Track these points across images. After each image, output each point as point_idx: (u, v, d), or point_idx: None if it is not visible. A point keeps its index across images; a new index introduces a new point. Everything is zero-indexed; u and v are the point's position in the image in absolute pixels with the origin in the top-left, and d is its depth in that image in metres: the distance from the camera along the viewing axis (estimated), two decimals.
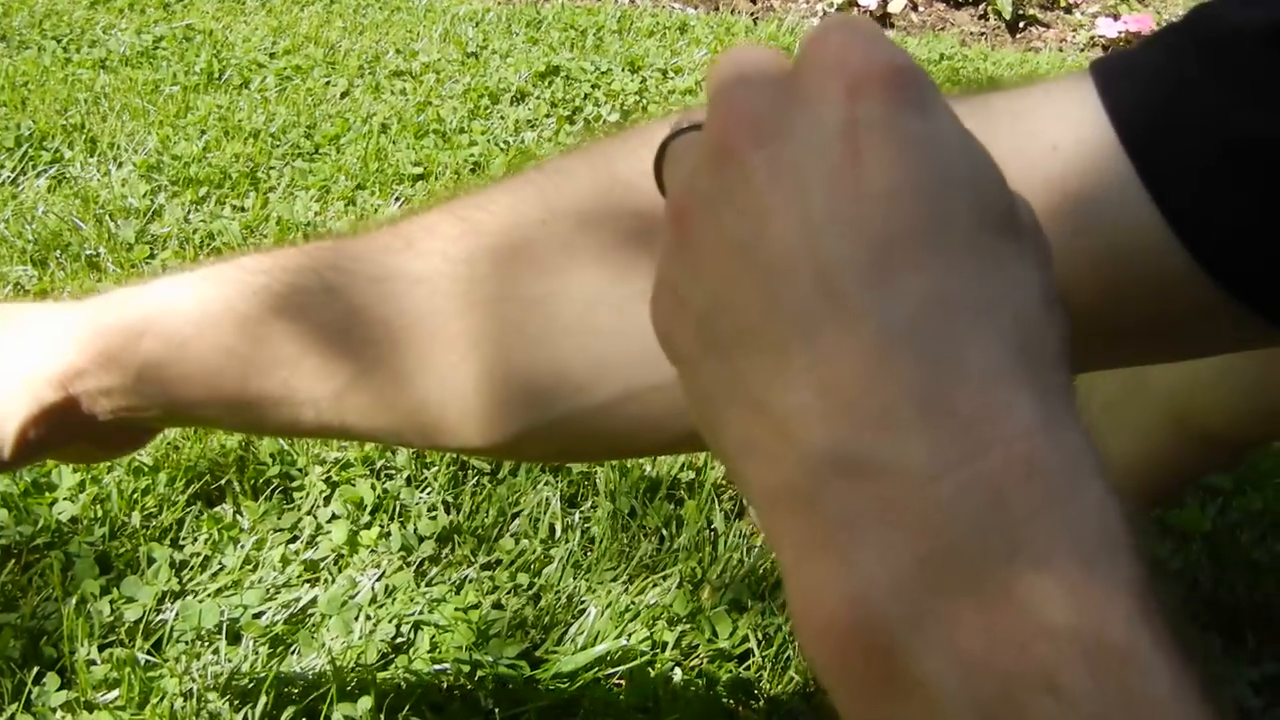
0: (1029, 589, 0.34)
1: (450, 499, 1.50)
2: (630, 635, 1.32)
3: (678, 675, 1.29)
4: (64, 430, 0.76)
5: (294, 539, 1.44)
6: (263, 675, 1.22)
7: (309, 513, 1.47)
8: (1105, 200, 0.58)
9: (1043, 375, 0.38)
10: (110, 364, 0.73)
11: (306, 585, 1.37)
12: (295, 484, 1.51)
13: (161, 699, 1.19)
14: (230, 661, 1.25)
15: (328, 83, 3.06)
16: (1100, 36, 4.87)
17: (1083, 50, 4.85)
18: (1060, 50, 4.80)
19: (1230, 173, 0.55)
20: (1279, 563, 1.59)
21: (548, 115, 2.94)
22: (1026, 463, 0.36)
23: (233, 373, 0.71)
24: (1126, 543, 0.36)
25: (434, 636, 1.30)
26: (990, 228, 0.39)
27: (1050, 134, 0.60)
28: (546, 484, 1.52)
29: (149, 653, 1.25)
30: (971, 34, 4.82)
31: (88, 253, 2.07)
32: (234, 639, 1.28)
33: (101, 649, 1.25)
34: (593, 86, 3.15)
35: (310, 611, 1.34)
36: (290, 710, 1.19)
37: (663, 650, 1.32)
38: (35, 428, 0.74)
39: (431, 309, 0.67)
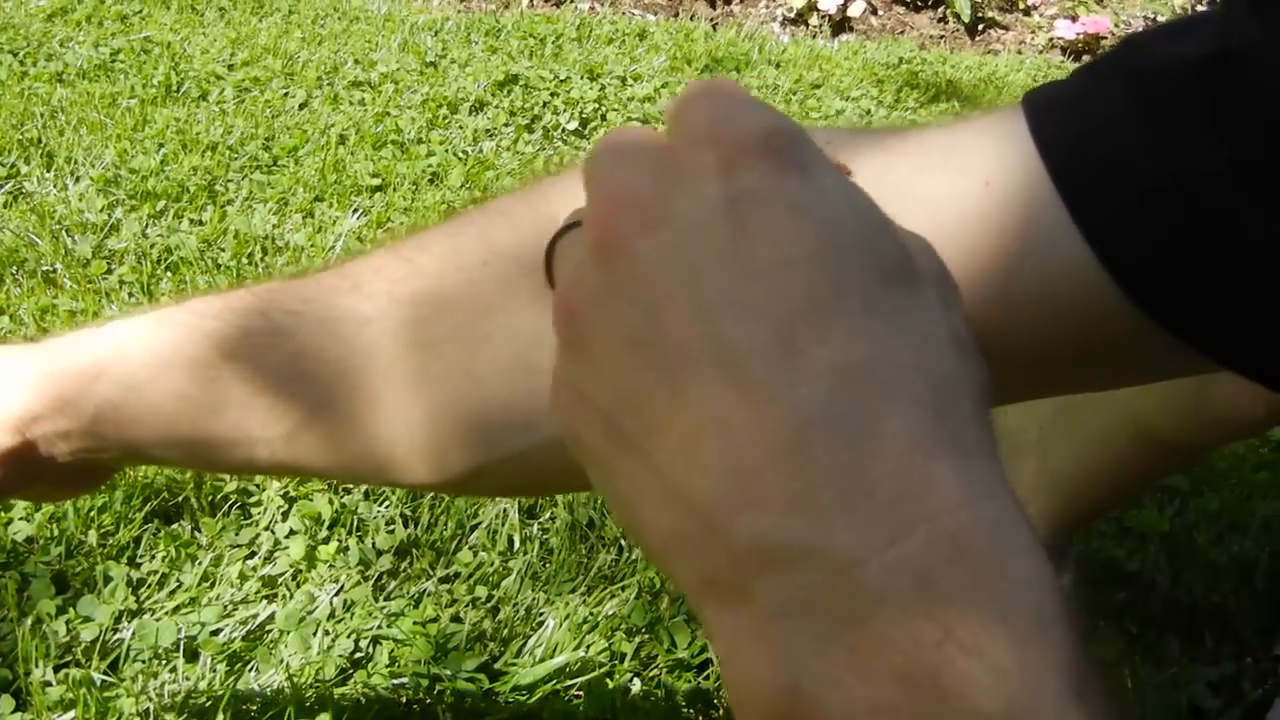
0: (960, 678, 0.34)
1: (408, 512, 1.50)
2: (589, 646, 1.33)
3: (636, 686, 1.29)
4: (24, 473, 0.77)
5: (252, 555, 1.43)
6: (220, 693, 1.22)
7: (267, 528, 1.47)
8: (1036, 235, 0.58)
9: (962, 437, 0.37)
10: (66, 408, 0.74)
11: (264, 601, 1.37)
12: (253, 500, 1.51)
13: (118, 719, 1.19)
14: (188, 680, 1.25)
15: (286, 94, 3.05)
16: (1059, 38, 4.89)
17: (1041, 52, 4.88)
18: (1019, 53, 4.82)
19: (1154, 207, 0.55)
20: (1236, 563, 1.61)
21: (506, 124, 2.94)
22: (951, 542, 0.35)
23: (186, 415, 0.72)
24: (1057, 617, 0.35)
25: (393, 650, 1.30)
26: (889, 283, 0.39)
27: (983, 170, 0.59)
28: None
29: (105, 672, 1.25)
30: (931, 37, 4.83)
31: (44, 269, 2.06)
32: (191, 657, 1.28)
33: (57, 669, 1.25)
34: (551, 95, 3.15)
35: (268, 628, 1.33)
36: None
37: (621, 661, 1.32)
38: None
39: (380, 350, 0.68)
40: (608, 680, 1.29)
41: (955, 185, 0.59)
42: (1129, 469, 1.33)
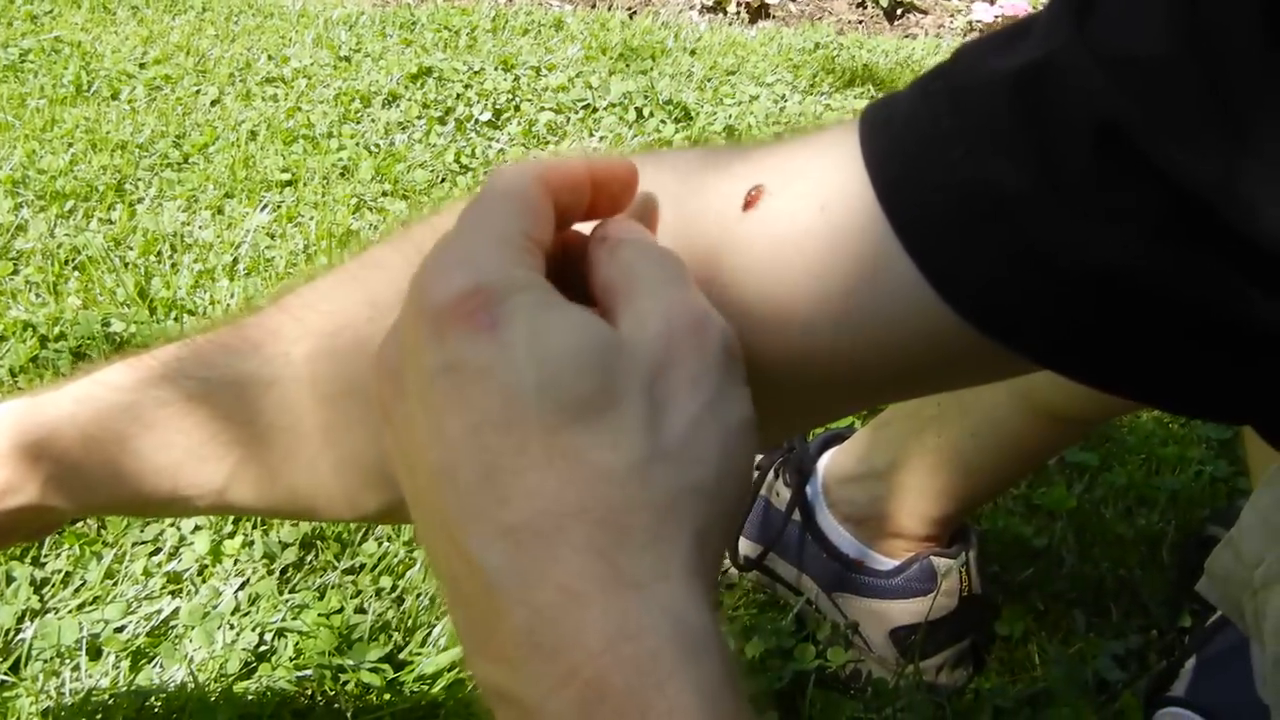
0: None
1: None
2: None
3: None
4: None
5: (156, 551, 1.43)
6: (123, 689, 1.22)
7: (172, 524, 1.46)
8: (869, 257, 0.58)
9: (628, 569, 0.42)
10: (19, 488, 0.80)
11: (169, 597, 1.37)
12: None
13: (17, 719, 1.18)
14: (90, 678, 1.24)
15: (198, 91, 3.03)
16: (977, 22, 4.93)
17: (962, 35, 4.91)
18: (937, 36, 4.85)
19: (974, 225, 0.56)
20: (1143, 537, 1.63)
21: (419, 117, 2.94)
22: (596, 688, 0.40)
23: (122, 482, 0.77)
24: None
25: (297, 643, 1.31)
26: (572, 421, 0.43)
27: (819, 194, 0.60)
28: None
29: (6, 673, 1.24)
30: (849, 22, 4.86)
31: None
32: (95, 655, 1.28)
33: None
34: (465, 86, 3.14)
35: (173, 623, 1.33)
36: None
37: None
38: None
39: (284, 409, 0.72)
40: None
41: (793, 211, 0.60)
42: (1025, 443, 1.34)
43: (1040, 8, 0.57)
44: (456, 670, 1.28)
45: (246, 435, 0.73)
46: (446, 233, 0.51)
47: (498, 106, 3.05)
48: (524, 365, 0.44)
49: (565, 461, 0.42)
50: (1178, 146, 0.50)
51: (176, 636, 1.32)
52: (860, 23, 4.87)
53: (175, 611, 1.35)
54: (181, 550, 1.43)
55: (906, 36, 4.81)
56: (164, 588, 1.38)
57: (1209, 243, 0.51)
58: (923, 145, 0.57)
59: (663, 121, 3.07)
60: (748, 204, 0.60)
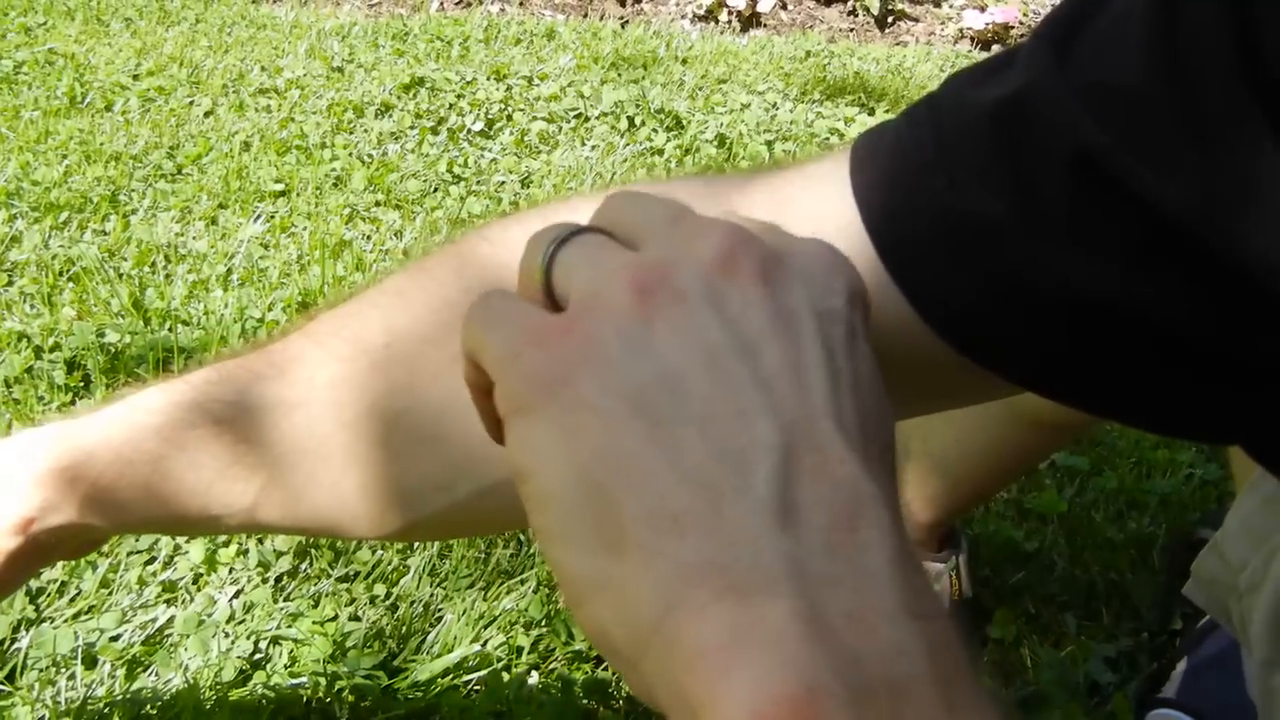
0: None
1: None
2: (487, 641, 1.34)
3: (534, 679, 1.31)
4: (31, 564, 0.87)
5: (151, 560, 1.44)
6: (119, 698, 1.22)
7: None
8: None
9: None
10: (57, 508, 0.82)
11: (164, 605, 1.37)
12: None
13: None
14: (86, 686, 1.25)
15: (191, 103, 3.04)
16: (968, 29, 4.94)
17: (953, 43, 4.92)
18: (928, 43, 4.86)
19: (955, 251, 0.57)
20: (1133, 541, 1.63)
21: (412, 127, 2.95)
22: (950, 640, 0.40)
23: (155, 502, 0.80)
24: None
25: (291, 650, 1.31)
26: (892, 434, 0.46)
27: (810, 220, 0.62)
28: None
29: (2, 682, 1.25)
30: (841, 30, 4.87)
31: None
32: (90, 663, 1.28)
33: None
34: (458, 96, 3.15)
35: (168, 632, 1.34)
36: None
37: (519, 655, 1.33)
38: (5, 569, 0.84)
39: (309, 432, 0.74)
40: (505, 674, 1.30)
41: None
42: (1009, 449, 1.35)
43: (1030, 13, 0.59)
44: (450, 677, 1.29)
45: (272, 457, 0.75)
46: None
47: (490, 116, 3.06)
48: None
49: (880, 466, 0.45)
50: (1154, 173, 0.51)
51: (172, 645, 1.32)
52: (851, 31, 4.89)
53: (170, 620, 1.35)
54: (176, 559, 1.43)
55: (898, 44, 4.82)
56: (159, 596, 1.39)
57: (1187, 268, 0.52)
58: (907, 174, 0.60)
59: (654, 130, 3.08)
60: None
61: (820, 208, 0.62)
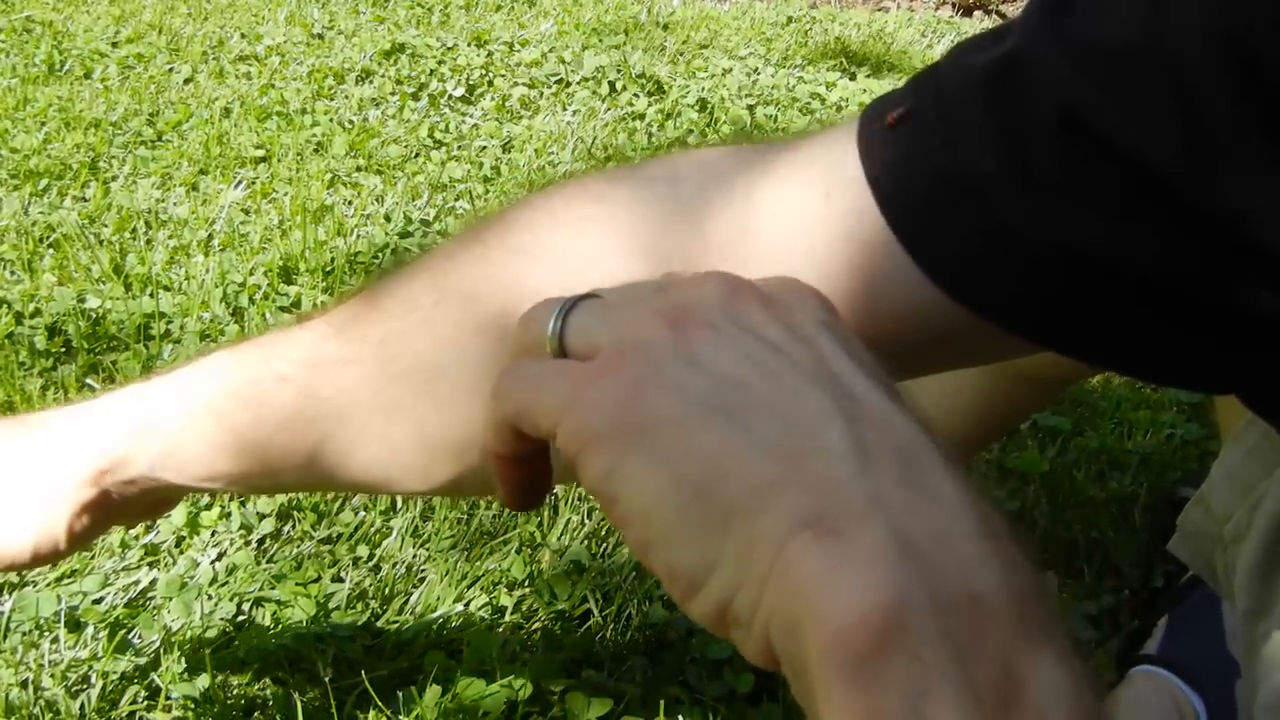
0: (1037, 649, 0.41)
1: None
2: (470, 602, 1.34)
3: (518, 638, 1.31)
4: (106, 517, 0.90)
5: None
6: (102, 659, 1.22)
7: None
8: (866, 239, 0.64)
9: None
10: (127, 461, 0.86)
11: (147, 568, 1.37)
12: None
13: None
14: (70, 649, 1.25)
15: (171, 70, 3.03)
16: None
17: (934, 9, 4.91)
18: (910, 9, 4.85)
19: (950, 205, 0.61)
20: (1115, 499, 1.64)
21: (392, 93, 2.94)
22: (1017, 560, 0.43)
23: (220, 458, 0.84)
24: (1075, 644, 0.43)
25: (275, 612, 1.31)
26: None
27: (823, 184, 0.66)
28: None
29: None
30: None
31: None
32: (74, 626, 1.28)
33: None
34: (438, 62, 3.15)
35: (150, 594, 1.34)
36: (130, 692, 1.20)
37: (502, 615, 1.33)
38: (79, 520, 0.88)
39: (362, 385, 0.79)
40: (489, 634, 1.30)
41: (803, 199, 0.67)
42: (995, 403, 1.35)
43: None
44: (433, 637, 1.29)
45: (328, 411, 0.80)
46: None
47: (471, 82, 3.05)
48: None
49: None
50: (1139, 129, 0.54)
51: (155, 608, 1.32)
52: None
53: (153, 583, 1.35)
54: (158, 522, 1.43)
55: (879, 9, 4.81)
56: (141, 559, 1.39)
57: (1172, 221, 0.55)
58: (907, 134, 0.63)
59: (635, 95, 3.08)
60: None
61: (834, 169, 0.66)
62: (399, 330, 0.77)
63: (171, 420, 0.85)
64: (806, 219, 0.67)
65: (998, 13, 4.85)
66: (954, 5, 4.92)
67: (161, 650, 1.25)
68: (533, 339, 0.53)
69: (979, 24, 4.68)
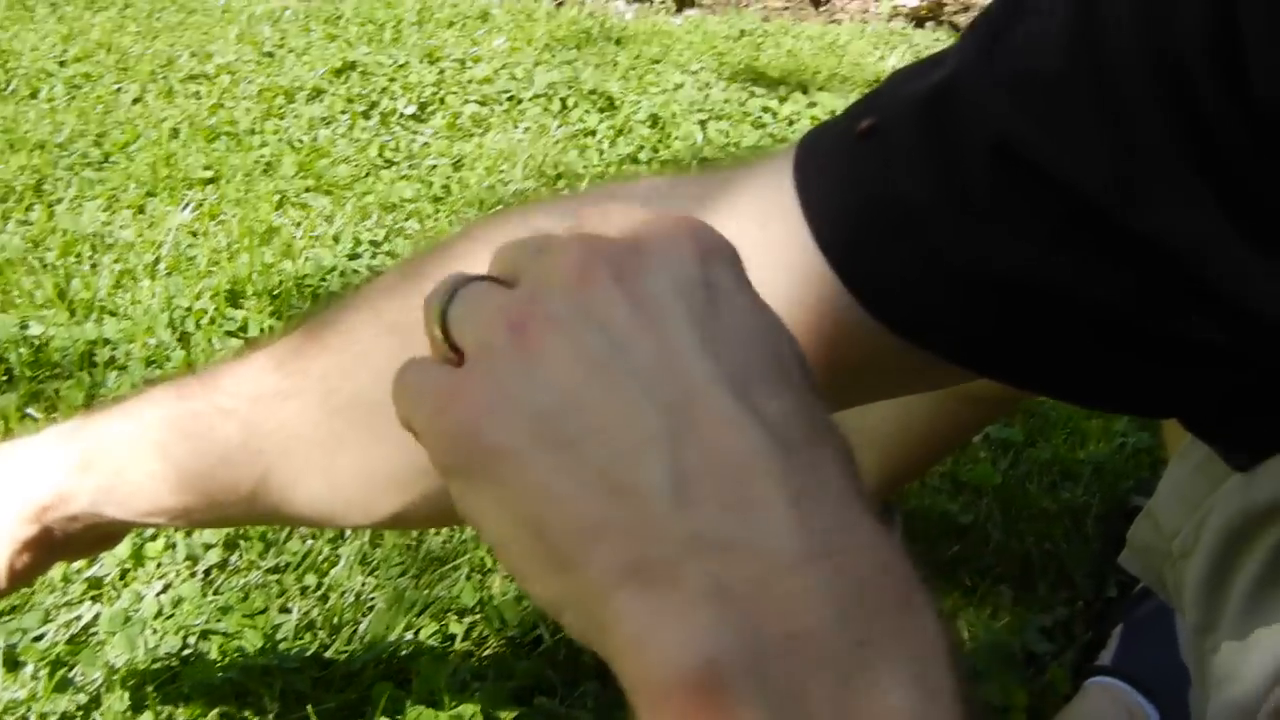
0: (878, 679, 0.40)
1: None
2: (419, 630, 1.33)
3: (469, 666, 1.29)
4: (48, 552, 0.90)
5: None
6: (40, 699, 1.20)
7: None
8: (802, 268, 0.64)
9: (868, 498, 0.44)
10: (68, 497, 0.86)
11: (89, 603, 1.35)
12: None
13: None
14: (8, 690, 1.23)
15: (119, 89, 3.01)
16: (902, 6, 4.94)
17: (887, 20, 4.92)
18: (863, 21, 4.87)
19: (886, 234, 0.61)
20: (1068, 510, 1.64)
21: (343, 111, 2.93)
22: (881, 566, 0.42)
23: (162, 492, 0.84)
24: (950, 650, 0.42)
25: (221, 645, 1.29)
26: (799, 369, 0.47)
27: (762, 213, 0.66)
28: None
29: None
30: (775, 9, 4.87)
31: None
32: (12, 665, 1.26)
33: None
34: (390, 80, 3.14)
35: (93, 630, 1.32)
36: None
37: (452, 642, 1.32)
38: (20, 558, 0.88)
39: (303, 418, 0.78)
40: (438, 662, 1.28)
41: (740, 228, 0.65)
42: (942, 424, 1.34)
43: None
44: (382, 667, 1.27)
45: (271, 445, 0.80)
46: None
47: (422, 100, 3.05)
48: (772, 316, 0.50)
49: (807, 395, 0.47)
50: (1071, 157, 0.54)
51: (97, 644, 1.30)
52: (786, 9, 4.88)
53: (96, 618, 1.33)
54: (102, 555, 1.41)
55: (832, 22, 4.82)
56: (84, 594, 1.36)
57: (1105, 248, 0.55)
58: (842, 163, 0.63)
59: (586, 111, 3.07)
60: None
61: (770, 198, 0.66)
62: (339, 364, 0.77)
63: (114, 455, 0.85)
64: (744, 249, 0.66)
65: (950, 23, 4.86)
66: (906, 16, 4.93)
67: (103, 689, 1.23)
68: (429, 328, 0.53)
69: (931, 34, 4.69)
